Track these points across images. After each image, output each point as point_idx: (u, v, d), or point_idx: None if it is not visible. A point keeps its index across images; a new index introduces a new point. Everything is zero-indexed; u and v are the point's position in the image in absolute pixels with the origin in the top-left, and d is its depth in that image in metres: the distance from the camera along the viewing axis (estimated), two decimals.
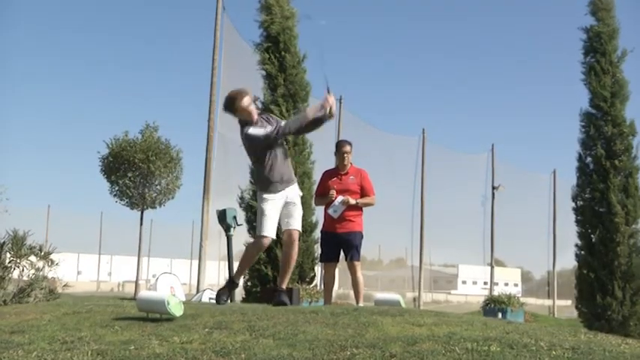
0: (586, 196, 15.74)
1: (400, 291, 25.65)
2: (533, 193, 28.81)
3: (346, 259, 8.93)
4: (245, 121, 7.15)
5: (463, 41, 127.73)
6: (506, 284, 41.17)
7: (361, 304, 8.57)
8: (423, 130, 22.55)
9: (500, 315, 12.67)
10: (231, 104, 7.15)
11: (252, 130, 7.05)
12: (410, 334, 4.56)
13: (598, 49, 16.03)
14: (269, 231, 6.95)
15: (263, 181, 7.11)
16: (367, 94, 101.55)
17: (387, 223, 22.60)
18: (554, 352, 4.12)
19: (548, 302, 30.98)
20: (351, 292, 9.28)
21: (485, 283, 30.12)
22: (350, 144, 9.17)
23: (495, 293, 16.36)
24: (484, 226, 26.36)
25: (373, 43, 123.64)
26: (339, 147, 9.11)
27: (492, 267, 26.77)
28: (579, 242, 15.80)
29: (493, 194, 25.89)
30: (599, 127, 15.71)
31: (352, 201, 8.79)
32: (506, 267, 43.71)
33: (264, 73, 13.66)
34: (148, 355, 4.02)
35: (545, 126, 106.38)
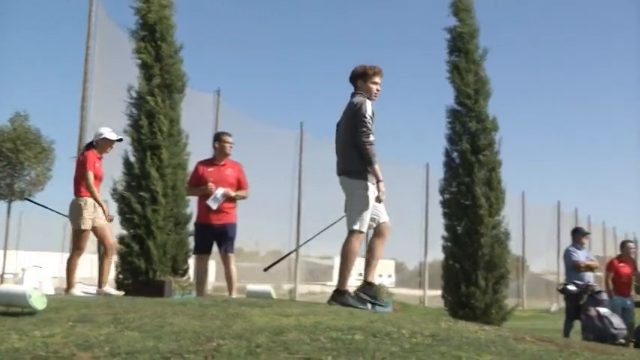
0: (452, 189, 16.31)
1: (277, 283, 25.72)
2: (408, 187, 29.48)
3: (220, 251, 8.94)
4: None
5: (340, 35, 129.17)
6: (380, 275, 42.05)
7: (234, 295, 8.59)
8: (301, 123, 22.69)
9: (369, 305, 12.91)
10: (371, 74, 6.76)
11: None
12: (277, 324, 4.61)
13: (461, 48, 16.63)
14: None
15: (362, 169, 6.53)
16: (247, 86, 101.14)
17: (265, 215, 22.61)
18: (414, 340, 4.27)
19: (420, 292, 31.85)
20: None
21: (360, 275, 30.63)
22: (231, 136, 9.19)
23: None
24: None
25: (253, 35, 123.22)
26: (221, 138, 9.09)
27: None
28: (446, 234, 16.36)
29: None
30: (464, 123, 16.30)
31: (232, 193, 8.82)
32: (381, 258, 44.41)
33: (139, 62, 13.38)
34: (7, 349, 3.90)
35: (420, 120, 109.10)
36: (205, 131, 16.71)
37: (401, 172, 28.85)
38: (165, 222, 12.71)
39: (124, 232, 12.67)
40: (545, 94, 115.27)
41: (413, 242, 29.26)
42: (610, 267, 12.47)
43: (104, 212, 8.73)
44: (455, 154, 16.41)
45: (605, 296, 11.15)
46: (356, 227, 6.50)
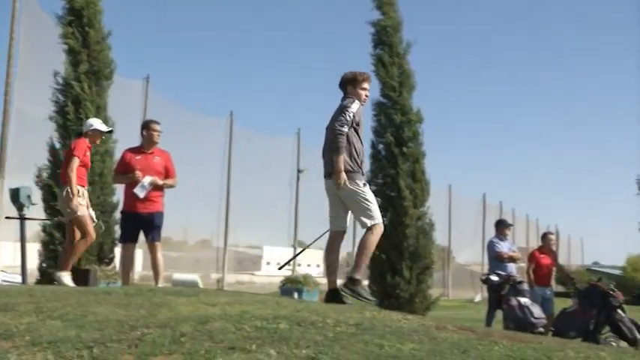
0: (378, 181, 16.48)
1: (205, 272, 25.57)
2: None
3: (147, 240, 8.88)
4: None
5: (269, 23, 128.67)
6: (309, 265, 42.19)
7: (160, 284, 8.55)
8: (231, 112, 22.56)
9: (296, 295, 13.00)
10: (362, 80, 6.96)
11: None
12: (202, 313, 4.62)
13: (385, 42, 16.80)
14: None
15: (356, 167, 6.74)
16: (176, 74, 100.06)
17: (193, 204, 22.43)
18: (338, 329, 4.33)
19: None
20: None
21: (317, 265, 30.65)
22: (159, 124, 9.14)
23: (299, 274, 16.76)
24: (289, 208, 26.83)
25: (180, 20, 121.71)
26: (150, 126, 9.04)
27: (295, 248, 27.36)
28: None
29: (298, 177, 26.40)
30: (389, 116, 16.49)
31: (159, 182, 8.77)
32: (310, 248, 44.58)
33: (66, 47, 13.11)
34: None
35: None
36: (134, 119, 16.45)
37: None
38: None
39: (48, 220, 12.43)
40: (472, 87, 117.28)
41: None
42: (531, 258, 12.80)
43: (71, 202, 8.43)
44: (380, 146, 16.58)
45: (526, 286, 11.44)
46: (373, 222, 6.70)
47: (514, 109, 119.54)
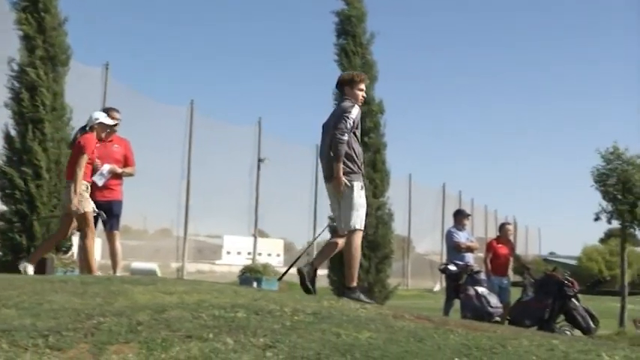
0: None
1: (165, 261, 25.45)
2: (297, 166, 29.64)
3: (105, 229, 8.82)
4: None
5: (231, 11, 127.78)
6: (269, 254, 42.23)
7: (119, 273, 8.50)
8: (192, 100, 22.41)
9: (255, 284, 13.01)
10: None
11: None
12: (160, 302, 4.61)
13: (349, 32, 16.85)
14: None
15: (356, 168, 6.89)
16: (136, 62, 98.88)
17: (153, 192, 22.28)
18: (296, 317, 4.36)
19: None
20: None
21: (249, 254, 30.68)
22: (119, 112, 9.06)
23: (259, 263, 16.77)
24: (250, 197, 26.79)
25: (140, 8, 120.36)
26: (109, 114, 8.94)
27: (256, 238, 27.37)
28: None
29: (259, 166, 26.36)
30: None
31: (118, 170, 8.71)
32: (270, 238, 44.67)
33: (21, 33, 12.90)
34: None
35: (309, 100, 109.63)
36: (93, 106, 16.25)
37: (291, 153, 29.02)
38: (49, 198, 12.40)
39: (5, 208, 12.28)
40: (433, 77, 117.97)
41: (302, 222, 29.47)
42: (489, 248, 12.92)
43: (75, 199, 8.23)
44: None
45: (483, 276, 11.57)
46: (357, 226, 6.81)
47: (475, 99, 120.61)
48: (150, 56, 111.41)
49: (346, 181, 6.70)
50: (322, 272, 23.42)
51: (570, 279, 11.88)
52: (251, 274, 13.77)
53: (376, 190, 16.18)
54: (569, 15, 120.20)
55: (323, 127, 7.10)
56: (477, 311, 10.60)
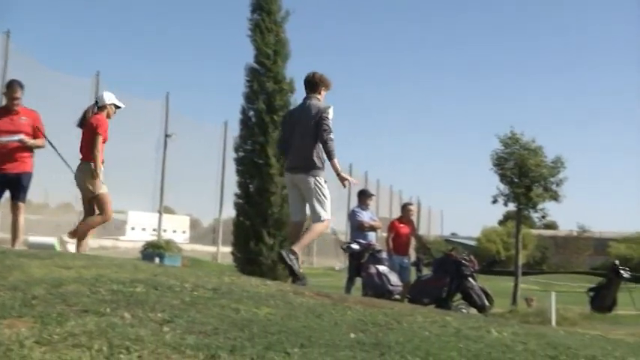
0: (247, 147, 16.55)
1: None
2: (205, 143, 29.43)
3: (12, 200, 8.70)
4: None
5: None
6: (175, 231, 41.81)
7: (17, 247, 8.32)
8: (98, 72, 21.89)
9: (157, 259, 12.90)
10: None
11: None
12: (56, 276, 4.53)
13: (264, 8, 16.78)
14: None
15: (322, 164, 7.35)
16: (39, 31, 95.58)
17: (55, 166, 21.72)
18: (195, 293, 4.37)
19: (213, 249, 32.04)
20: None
21: (154, 230, 30.34)
22: (21, 85, 8.89)
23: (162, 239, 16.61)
24: (156, 173, 26.44)
25: None
26: (12, 87, 8.79)
27: (161, 214, 27.10)
28: (239, 191, 16.61)
29: (166, 142, 26.02)
30: (261, 83, 16.54)
31: (28, 141, 8.60)
32: (176, 214, 44.30)
33: None
34: None
35: (219, 78, 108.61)
36: None
37: (199, 130, 28.77)
38: None
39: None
40: (345, 55, 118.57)
41: (208, 199, 29.34)
42: (391, 228, 13.17)
43: (95, 180, 8.59)
44: (251, 113, 16.62)
45: (384, 255, 11.78)
46: (326, 217, 7.30)
47: (384, 79, 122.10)
48: (55, 28, 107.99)
49: (318, 178, 7.27)
50: (230, 249, 23.44)
51: (470, 258, 12.25)
52: (153, 250, 13.63)
53: (283, 168, 16.20)
54: None
55: (288, 118, 7.78)
56: (377, 289, 10.79)
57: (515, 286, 18.42)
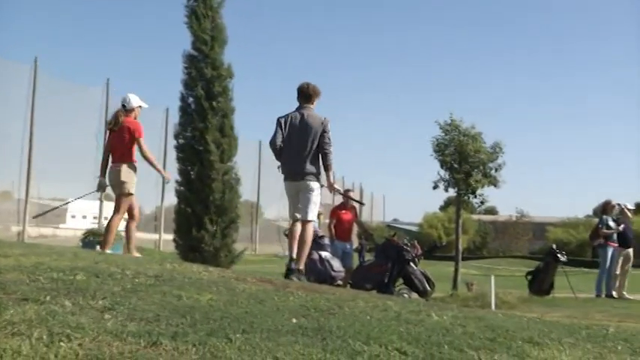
0: (187, 134, 16.46)
1: (5, 225, 24.42)
2: (146, 130, 29.05)
3: None
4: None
5: None
6: None
7: None
8: (36, 58, 21.45)
9: (98, 247, 12.72)
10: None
11: None
12: None
13: None
14: None
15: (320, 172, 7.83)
16: None
17: None
18: (137, 280, 4.37)
19: (156, 237, 31.80)
20: None
21: (95, 218, 29.88)
22: None
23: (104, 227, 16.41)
24: (96, 160, 26.04)
25: None
26: None
27: (102, 201, 26.75)
28: (180, 178, 16.52)
29: (105, 129, 25.65)
30: (200, 69, 16.45)
31: None
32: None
33: None
34: None
35: (158, 64, 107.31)
36: None
37: (140, 116, 28.43)
38: None
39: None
40: (287, 42, 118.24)
41: (150, 186, 29.04)
42: (333, 214, 13.23)
43: (163, 175, 10.03)
44: (190, 100, 16.52)
45: (327, 241, 11.86)
46: (311, 219, 7.82)
47: (332, 66, 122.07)
48: None
49: (319, 184, 7.80)
50: (169, 237, 23.25)
51: (413, 243, 12.39)
52: (94, 238, 13.42)
53: (223, 154, 16.18)
54: None
55: (287, 123, 7.79)
56: (320, 275, 10.86)
57: (456, 270, 18.68)
